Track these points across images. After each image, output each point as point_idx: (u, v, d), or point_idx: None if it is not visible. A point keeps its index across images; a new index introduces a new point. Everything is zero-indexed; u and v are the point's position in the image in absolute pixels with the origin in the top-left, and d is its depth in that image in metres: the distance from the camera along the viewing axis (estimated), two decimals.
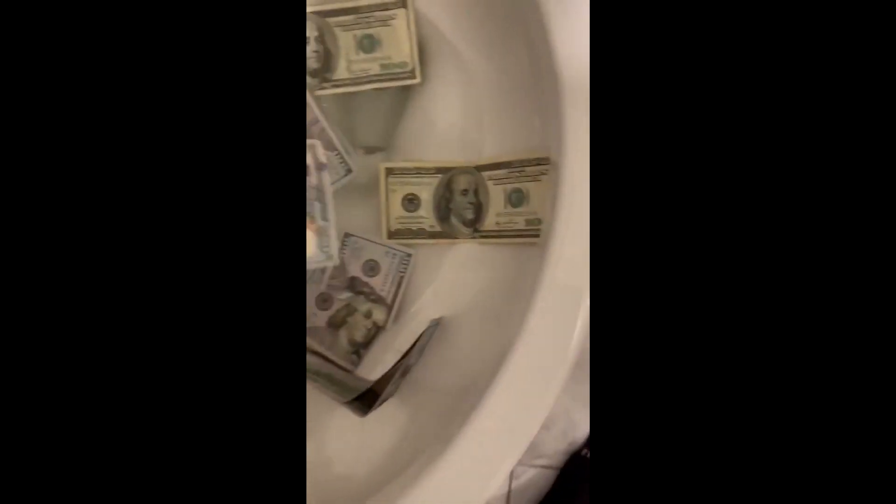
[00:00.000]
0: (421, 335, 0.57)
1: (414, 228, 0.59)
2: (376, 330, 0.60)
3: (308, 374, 0.57)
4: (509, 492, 1.01)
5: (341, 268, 0.60)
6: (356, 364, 0.59)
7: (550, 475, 0.97)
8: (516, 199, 0.56)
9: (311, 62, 0.56)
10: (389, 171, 0.58)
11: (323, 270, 0.60)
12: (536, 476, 0.98)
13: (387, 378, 0.55)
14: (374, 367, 0.60)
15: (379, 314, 0.59)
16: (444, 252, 0.60)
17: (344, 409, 0.56)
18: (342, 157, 0.58)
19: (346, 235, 0.60)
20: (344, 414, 0.57)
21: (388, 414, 0.57)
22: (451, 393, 0.55)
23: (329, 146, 0.58)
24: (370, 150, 0.63)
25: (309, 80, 0.56)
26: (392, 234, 0.59)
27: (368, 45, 0.56)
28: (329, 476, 0.58)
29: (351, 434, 0.58)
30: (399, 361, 0.55)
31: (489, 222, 0.57)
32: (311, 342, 0.60)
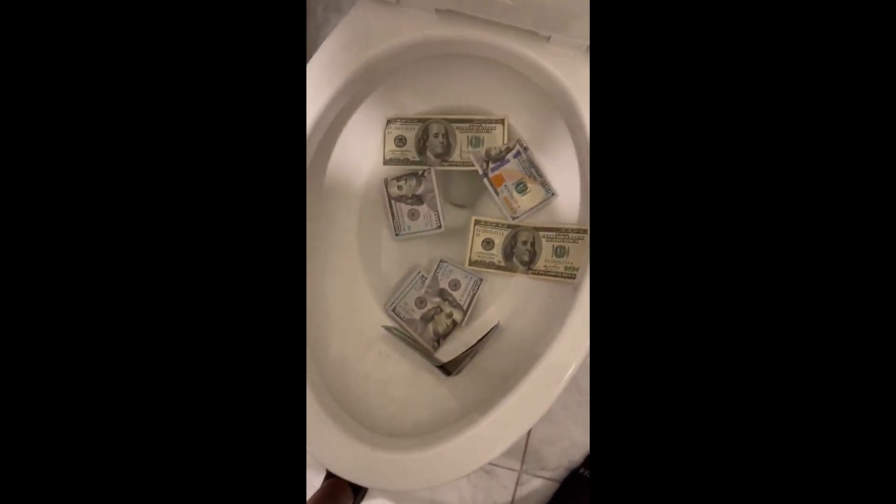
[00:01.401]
0: (486, 333, 0.84)
1: (487, 261, 0.88)
2: (453, 326, 0.88)
3: (410, 346, 0.85)
4: (514, 495, 1.15)
5: (434, 281, 0.88)
6: (436, 349, 0.87)
7: (551, 486, 1.13)
8: (559, 252, 0.85)
9: (438, 148, 0.86)
10: (477, 222, 0.88)
11: (423, 280, 0.88)
12: (540, 485, 1.14)
13: (461, 358, 0.82)
14: (448, 352, 0.87)
15: (457, 315, 0.87)
16: (507, 281, 0.88)
17: (426, 374, 0.83)
18: (438, 216, 0.88)
19: (442, 261, 0.89)
20: (422, 380, 0.84)
21: (453, 383, 0.84)
22: (497, 376, 0.80)
23: (433, 207, 0.88)
24: (458, 206, 0.93)
25: (434, 158, 0.87)
26: (472, 263, 0.88)
27: (475, 142, 0.86)
28: (405, 419, 0.82)
29: (425, 392, 0.84)
30: (471, 349, 0.83)
31: (539, 265, 0.86)
32: (409, 329, 0.88)
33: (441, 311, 0.88)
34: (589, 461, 1.13)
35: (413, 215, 0.88)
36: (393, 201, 0.88)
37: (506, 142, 0.85)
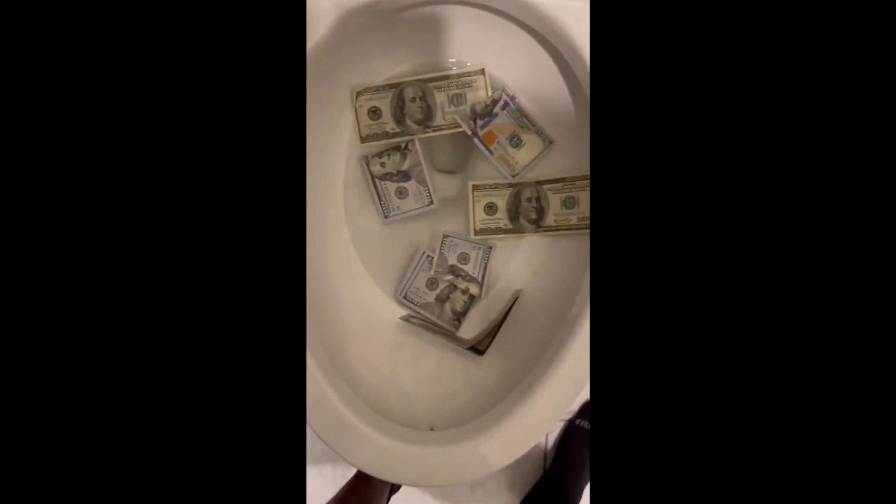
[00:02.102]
0: (509, 303, 0.78)
1: (493, 227, 0.81)
2: (471, 301, 0.81)
3: (431, 331, 0.78)
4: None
5: (442, 259, 0.81)
6: (457, 328, 0.81)
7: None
8: (569, 203, 0.78)
9: (417, 114, 0.78)
10: (475, 187, 0.81)
11: (430, 260, 0.81)
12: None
13: (490, 334, 0.76)
14: (469, 330, 0.82)
15: (473, 289, 0.81)
16: (517, 243, 0.82)
17: (453, 357, 0.78)
18: (429, 192, 0.81)
19: (445, 236, 0.82)
20: (451, 364, 0.79)
21: (484, 361, 0.78)
22: (531, 343, 0.75)
23: (422, 182, 0.80)
24: (448, 172, 0.86)
25: (415, 126, 0.79)
26: (477, 232, 0.81)
27: (457, 100, 0.78)
28: (443, 409, 0.77)
29: (458, 377, 0.79)
30: (498, 323, 0.76)
31: (549, 220, 0.80)
32: (425, 313, 0.81)
33: (455, 288, 0.81)
34: (589, 412, 1.14)
35: (401, 193, 0.80)
36: (377, 181, 0.80)
37: (490, 94, 0.78)
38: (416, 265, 0.82)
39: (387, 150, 0.79)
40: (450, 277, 0.81)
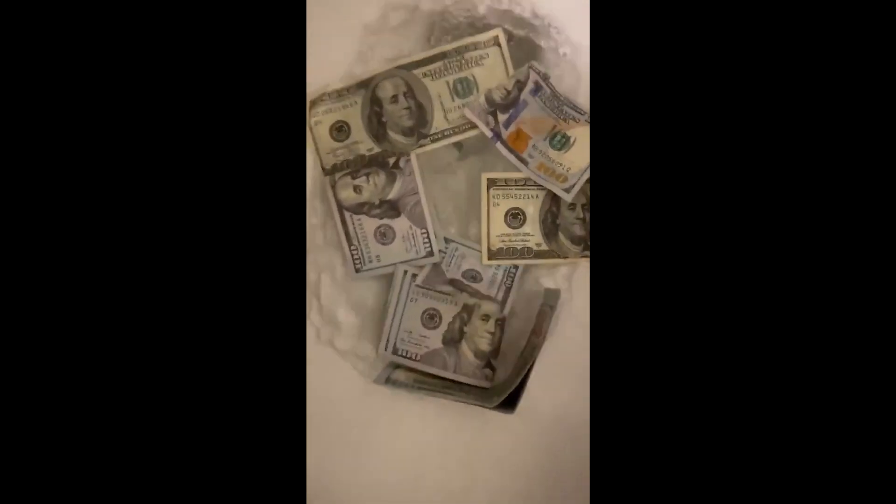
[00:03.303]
0: (542, 320, 0.56)
1: (518, 248, 0.58)
2: (501, 332, 0.59)
3: (439, 394, 0.57)
4: None
5: (438, 272, 0.58)
6: (491, 378, 0.59)
7: None
8: None
9: (404, 120, 0.51)
10: (492, 183, 0.56)
11: (413, 277, 0.58)
12: None
13: (523, 370, 0.53)
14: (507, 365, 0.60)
15: (489, 308, 0.58)
16: (556, 269, 0.59)
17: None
18: (429, 236, 0.56)
19: (446, 240, 0.58)
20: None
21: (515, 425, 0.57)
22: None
23: (419, 221, 0.55)
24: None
25: (403, 140, 0.52)
26: (493, 256, 0.58)
27: (463, 89, 0.51)
28: None
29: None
30: (529, 350, 0.55)
31: None
32: (431, 370, 0.59)
33: (471, 311, 0.58)
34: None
35: (385, 235, 0.56)
36: (347, 214, 0.54)
37: (511, 73, 0.50)
38: (399, 295, 0.58)
39: (365, 170, 0.52)
40: (450, 290, 0.58)
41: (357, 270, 0.56)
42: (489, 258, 0.58)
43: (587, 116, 0.53)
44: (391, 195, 0.54)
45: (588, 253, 0.58)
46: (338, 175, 0.53)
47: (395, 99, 0.51)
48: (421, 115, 0.52)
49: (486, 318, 0.58)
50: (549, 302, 0.56)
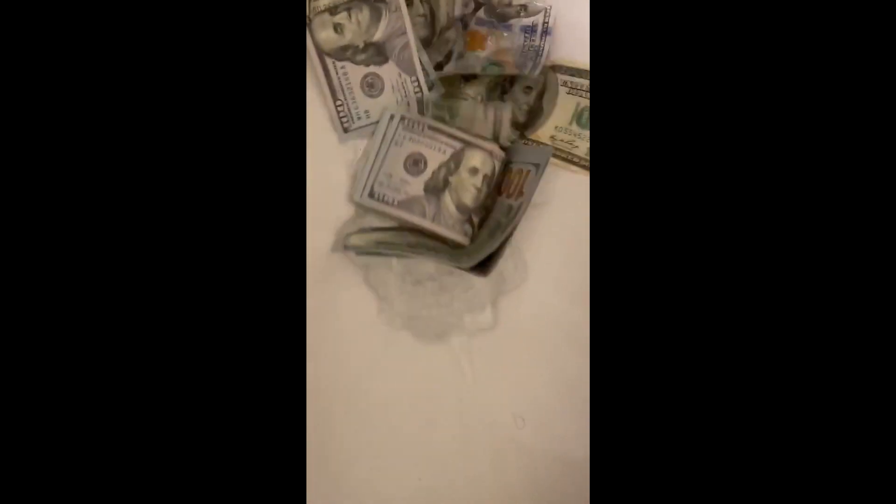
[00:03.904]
0: (530, 170, 0.54)
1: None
2: (487, 189, 0.56)
3: (404, 250, 0.55)
4: None
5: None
6: (470, 235, 0.56)
7: None
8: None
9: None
10: None
11: (406, 124, 0.54)
12: None
13: (497, 231, 0.53)
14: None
15: (485, 164, 0.56)
16: None
17: None
18: (419, 82, 0.52)
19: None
20: None
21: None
22: None
23: (407, 67, 0.51)
24: None
25: None
26: None
27: None
28: None
29: None
30: (507, 218, 0.54)
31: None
32: (408, 216, 0.56)
33: (459, 160, 0.55)
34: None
35: (372, 86, 0.50)
36: (329, 61, 0.48)
37: None
38: (384, 136, 0.55)
39: (344, 2, 0.46)
40: (446, 142, 0.54)
41: (346, 130, 0.51)
42: None
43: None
44: (377, 36, 0.48)
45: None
46: (314, 12, 0.47)
47: None
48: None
49: (474, 171, 0.55)
50: (533, 160, 0.53)
